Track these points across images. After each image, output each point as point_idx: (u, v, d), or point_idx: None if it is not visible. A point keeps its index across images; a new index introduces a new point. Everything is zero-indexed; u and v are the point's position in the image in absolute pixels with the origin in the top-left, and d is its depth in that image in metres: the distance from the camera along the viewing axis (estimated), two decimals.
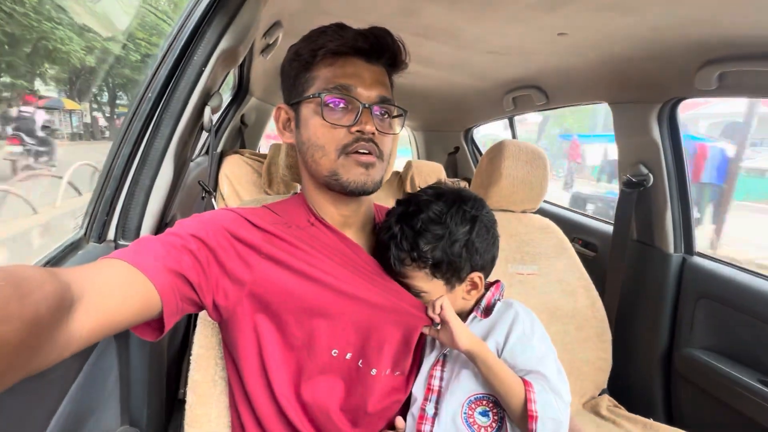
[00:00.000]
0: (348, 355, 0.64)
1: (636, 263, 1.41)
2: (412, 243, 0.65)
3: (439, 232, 0.66)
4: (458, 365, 0.67)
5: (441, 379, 0.68)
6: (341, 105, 0.63)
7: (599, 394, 1.19)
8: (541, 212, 1.29)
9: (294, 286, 0.61)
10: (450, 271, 0.67)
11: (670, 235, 1.34)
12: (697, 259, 1.32)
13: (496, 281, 0.75)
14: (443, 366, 0.69)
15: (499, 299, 0.72)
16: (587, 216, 1.84)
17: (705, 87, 1.07)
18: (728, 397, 1.12)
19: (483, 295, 0.72)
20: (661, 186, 1.32)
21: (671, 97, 1.24)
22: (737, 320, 1.16)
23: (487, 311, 0.70)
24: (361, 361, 0.65)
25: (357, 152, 0.63)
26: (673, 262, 1.33)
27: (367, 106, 0.62)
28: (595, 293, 1.22)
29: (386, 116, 0.67)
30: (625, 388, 1.36)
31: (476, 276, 0.69)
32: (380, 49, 0.65)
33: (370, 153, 0.63)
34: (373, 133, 0.63)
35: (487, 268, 0.71)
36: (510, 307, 0.70)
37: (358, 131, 0.62)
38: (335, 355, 0.63)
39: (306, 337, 0.63)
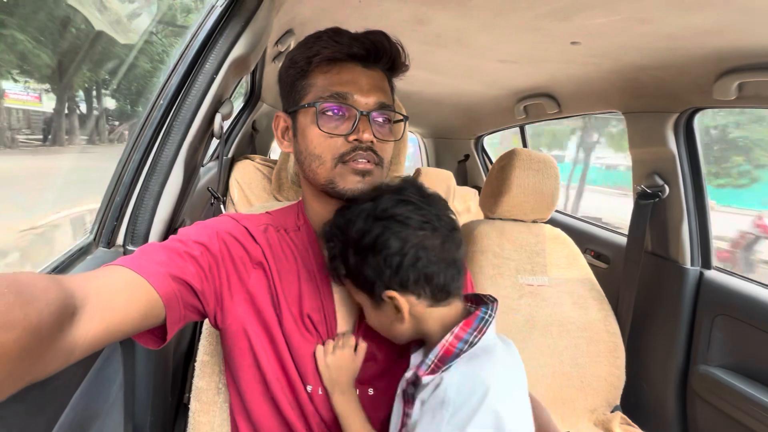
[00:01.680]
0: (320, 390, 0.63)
1: (650, 276, 1.37)
2: (328, 252, 0.59)
3: (339, 238, 0.57)
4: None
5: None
6: (338, 113, 0.61)
7: (611, 411, 1.16)
8: (553, 222, 1.27)
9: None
10: (365, 285, 0.55)
11: (686, 248, 1.30)
12: (715, 274, 1.28)
13: (474, 312, 0.53)
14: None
15: (465, 349, 0.50)
16: (600, 227, 1.80)
17: (724, 97, 1.05)
18: (746, 418, 1.07)
19: (446, 335, 0.51)
20: (677, 197, 1.29)
21: (688, 107, 1.22)
22: (757, 338, 1.12)
23: (437, 366, 0.50)
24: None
25: (354, 160, 0.60)
26: (690, 276, 1.29)
27: (364, 113, 0.60)
28: (608, 306, 1.19)
29: (386, 122, 0.65)
30: (638, 405, 1.32)
31: (390, 294, 0.53)
32: (377, 53, 0.63)
33: (368, 161, 0.61)
34: (372, 142, 0.60)
35: (410, 287, 0.52)
36: (473, 374, 0.48)
37: (355, 140, 0.60)
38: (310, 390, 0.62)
39: None
